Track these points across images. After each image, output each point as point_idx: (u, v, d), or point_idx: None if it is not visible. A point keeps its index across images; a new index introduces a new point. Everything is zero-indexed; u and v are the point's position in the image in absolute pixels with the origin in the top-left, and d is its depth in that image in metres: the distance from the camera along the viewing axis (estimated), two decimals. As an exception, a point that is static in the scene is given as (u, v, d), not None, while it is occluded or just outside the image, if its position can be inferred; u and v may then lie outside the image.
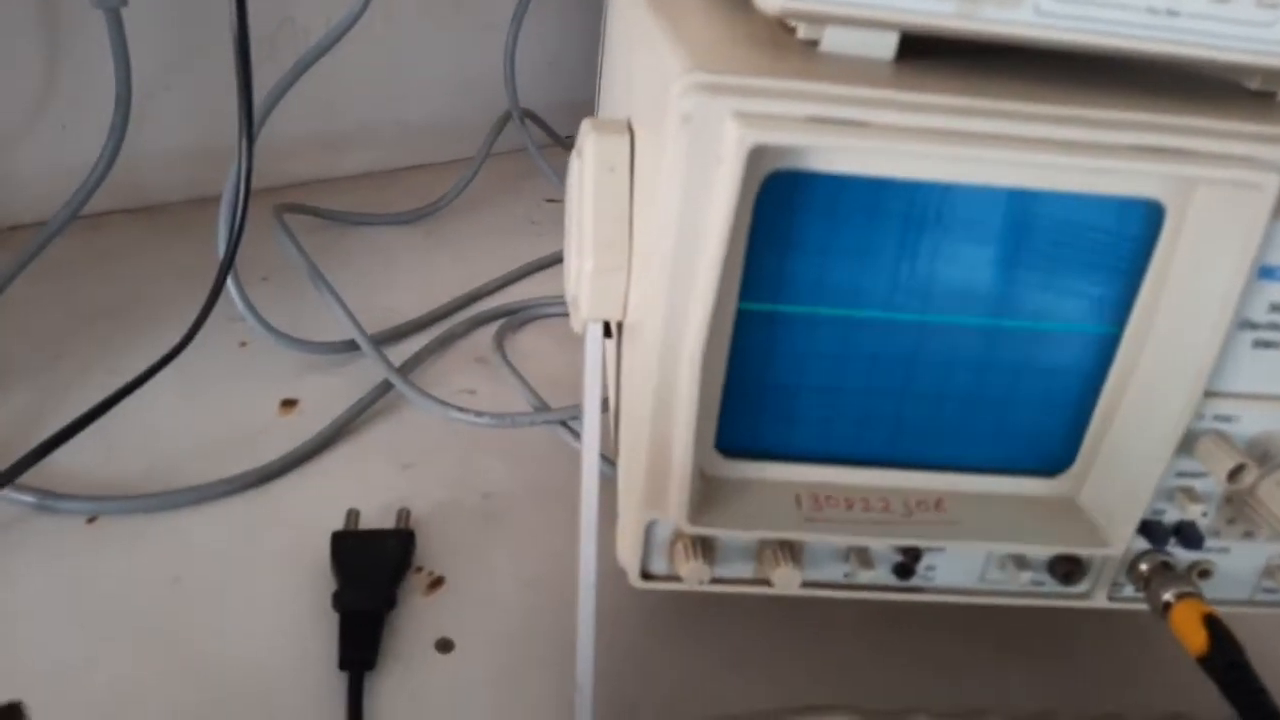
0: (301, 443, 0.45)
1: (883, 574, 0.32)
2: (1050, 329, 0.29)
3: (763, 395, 0.30)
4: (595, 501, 0.31)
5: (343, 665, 0.35)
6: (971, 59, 0.29)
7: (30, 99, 0.57)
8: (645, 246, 0.29)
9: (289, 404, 0.48)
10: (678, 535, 0.31)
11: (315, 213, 0.63)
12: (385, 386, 0.49)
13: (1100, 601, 0.33)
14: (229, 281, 0.48)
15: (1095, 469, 0.31)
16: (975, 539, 0.30)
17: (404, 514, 0.41)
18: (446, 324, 0.56)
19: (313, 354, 0.51)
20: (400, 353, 0.53)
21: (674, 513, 0.29)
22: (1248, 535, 0.32)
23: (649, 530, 0.30)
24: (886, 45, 0.29)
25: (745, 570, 0.32)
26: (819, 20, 0.28)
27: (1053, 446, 0.31)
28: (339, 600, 0.37)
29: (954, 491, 0.31)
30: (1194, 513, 0.31)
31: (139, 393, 0.44)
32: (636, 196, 0.31)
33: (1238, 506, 0.31)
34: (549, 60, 0.76)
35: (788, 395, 0.30)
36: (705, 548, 0.31)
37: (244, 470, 0.43)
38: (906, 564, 0.32)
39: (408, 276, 0.61)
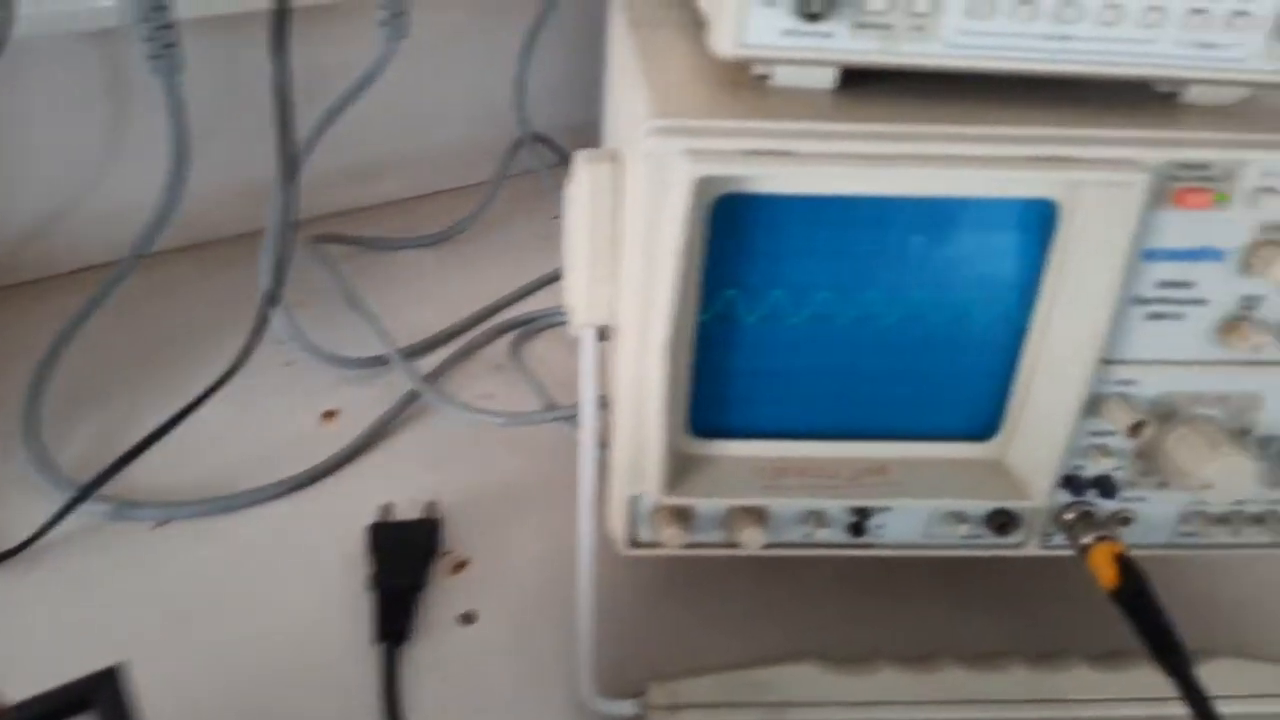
0: (340, 448, 0.51)
1: (838, 533, 0.37)
2: (971, 314, 0.34)
3: (726, 385, 0.35)
4: (592, 481, 0.37)
5: (378, 639, 0.40)
6: (903, 83, 0.34)
7: (97, 155, 0.64)
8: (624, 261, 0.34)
9: (330, 414, 0.54)
10: (658, 506, 0.36)
11: (347, 240, 0.69)
12: (414, 395, 0.55)
13: (1033, 550, 0.37)
14: (278, 311, 0.54)
15: (1018, 433, 0.35)
16: (915, 497, 0.35)
17: (431, 505, 0.47)
18: (468, 336, 0.61)
19: (350, 369, 0.57)
20: (427, 364, 0.59)
21: (652, 486, 0.34)
22: (1162, 486, 0.36)
23: (634, 503, 0.36)
24: (828, 78, 0.34)
25: (719, 536, 0.37)
26: (764, 62, 0.33)
27: (981, 415, 0.36)
28: (375, 582, 0.42)
29: (896, 458, 0.36)
30: (1107, 466, 0.35)
31: (199, 410, 0.51)
32: (622, 217, 0.36)
33: (1150, 460, 0.35)
34: (559, 84, 0.82)
35: (748, 384, 0.35)
36: (682, 516, 0.36)
37: (291, 474, 0.49)
38: (858, 523, 0.36)
39: (433, 294, 0.67)
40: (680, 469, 0.35)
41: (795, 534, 0.37)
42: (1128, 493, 0.36)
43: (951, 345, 0.34)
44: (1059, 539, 0.37)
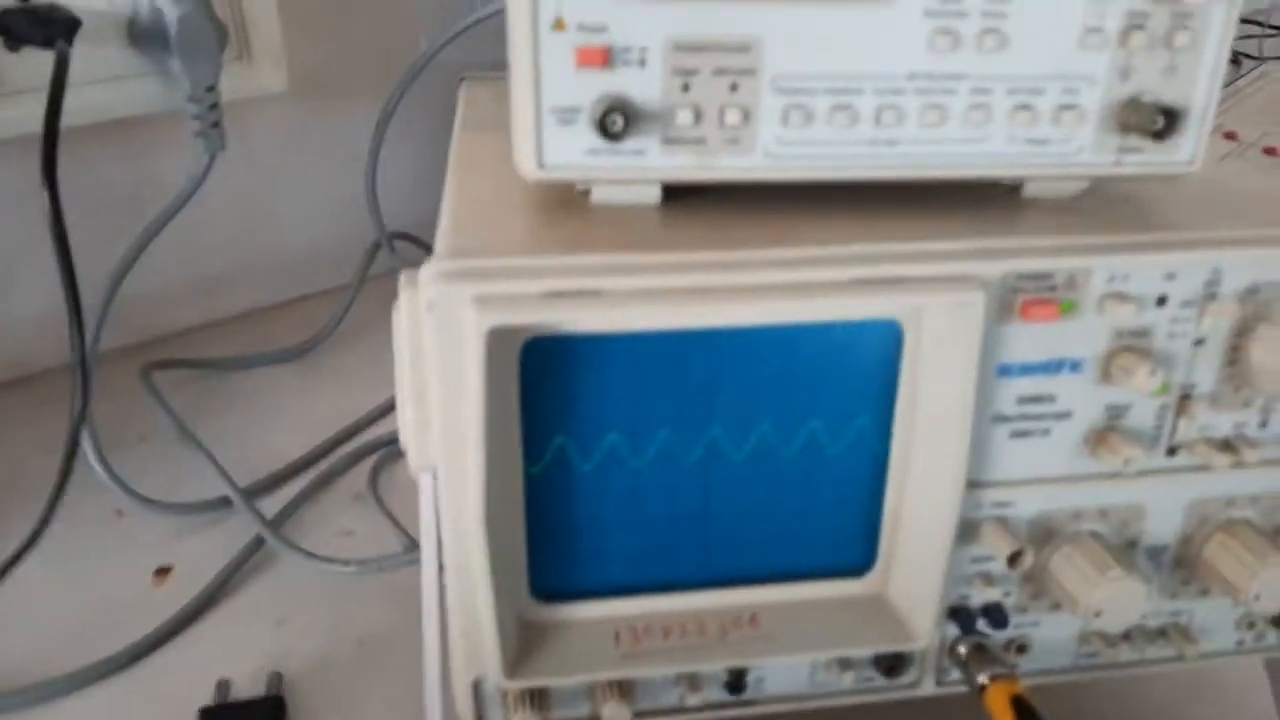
0: (169, 616, 0.45)
1: (715, 692, 0.33)
2: (825, 443, 0.31)
3: (566, 540, 0.31)
4: (438, 652, 0.32)
5: None
6: (733, 193, 0.31)
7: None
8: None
9: (163, 572, 0.48)
10: (503, 689, 0.31)
11: (188, 364, 0.64)
12: (259, 542, 0.49)
13: (929, 689, 0.34)
14: (90, 453, 0.48)
15: (895, 565, 0.32)
16: (789, 651, 0.31)
17: (275, 679, 0.42)
18: (327, 462, 0.56)
19: (188, 516, 0.51)
20: (281, 498, 0.53)
21: (492, 669, 0.30)
22: (1055, 608, 0.33)
23: (478, 686, 0.31)
24: (650, 194, 0.31)
25: (583, 710, 0.32)
26: (571, 183, 0.30)
27: (854, 548, 0.32)
28: (202, 785, 0.37)
29: (767, 604, 0.32)
30: (993, 595, 0.32)
31: (10, 582, 0.44)
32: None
33: (1038, 583, 0.33)
34: (424, 175, 0.79)
35: (593, 538, 0.31)
36: (536, 695, 0.31)
37: (113, 652, 0.43)
38: (734, 680, 0.32)
39: (289, 416, 0.61)
40: (525, 643, 0.31)
41: (668, 698, 0.32)
42: (1020, 619, 0.33)
43: (809, 477, 0.31)
44: (955, 674, 0.34)
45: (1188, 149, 0.30)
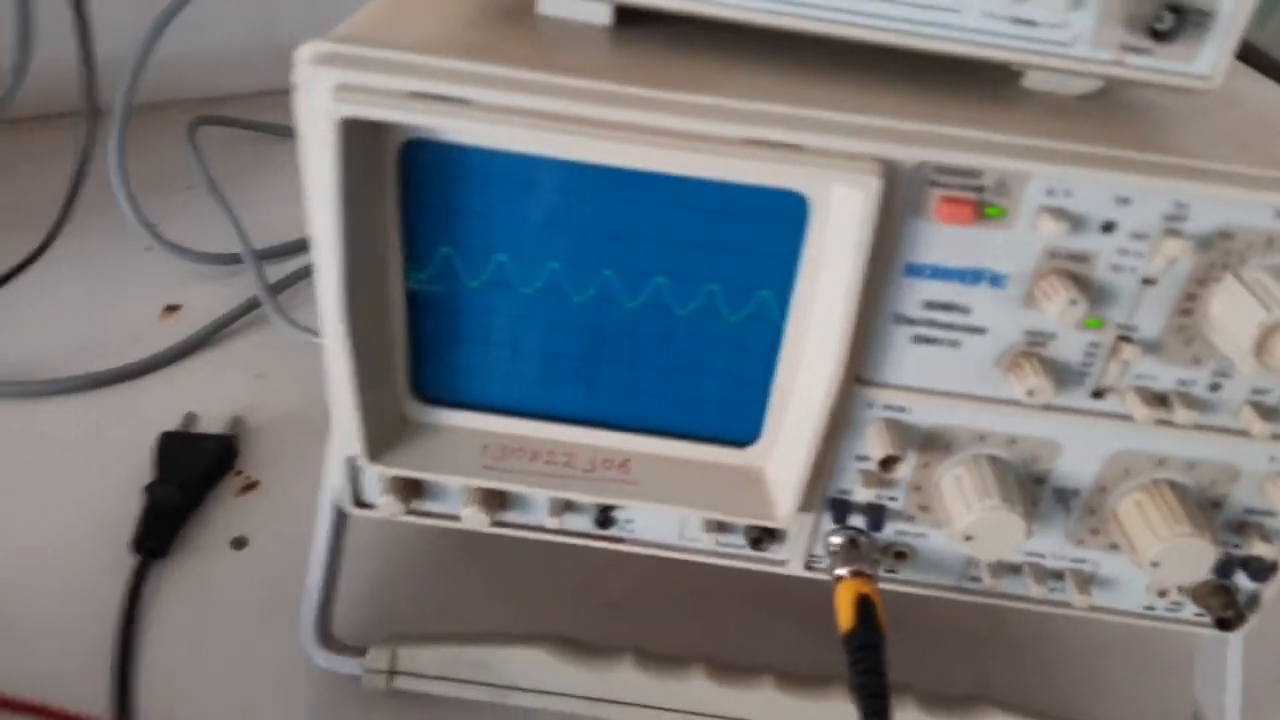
0: (162, 349, 0.49)
1: (583, 523, 0.33)
2: (721, 309, 0.29)
3: (449, 351, 0.31)
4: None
5: (134, 548, 0.39)
6: (702, 31, 0.28)
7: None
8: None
9: (172, 309, 0.52)
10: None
11: (239, 124, 0.66)
12: (257, 300, 0.52)
13: (796, 570, 0.33)
14: (118, 188, 0.51)
15: (778, 444, 0.31)
16: (648, 500, 0.31)
17: (236, 421, 0.45)
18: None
19: (205, 264, 0.55)
20: (294, 264, 0.56)
21: (357, 452, 0.31)
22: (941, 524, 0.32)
23: (352, 464, 0.33)
24: (598, 12, 0.29)
25: (455, 508, 0.34)
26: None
27: (743, 420, 0.31)
28: (148, 492, 0.41)
29: (642, 453, 0.32)
30: (878, 495, 0.31)
31: (37, 284, 0.49)
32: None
33: (927, 494, 0.31)
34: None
35: (475, 353, 0.31)
36: (411, 485, 0.33)
37: (109, 368, 0.47)
38: (604, 516, 0.33)
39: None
40: (400, 435, 0.32)
41: (536, 516, 0.33)
42: (904, 526, 0.32)
43: (705, 341, 0.30)
44: (827, 562, 0.33)
45: (1206, 61, 0.25)
